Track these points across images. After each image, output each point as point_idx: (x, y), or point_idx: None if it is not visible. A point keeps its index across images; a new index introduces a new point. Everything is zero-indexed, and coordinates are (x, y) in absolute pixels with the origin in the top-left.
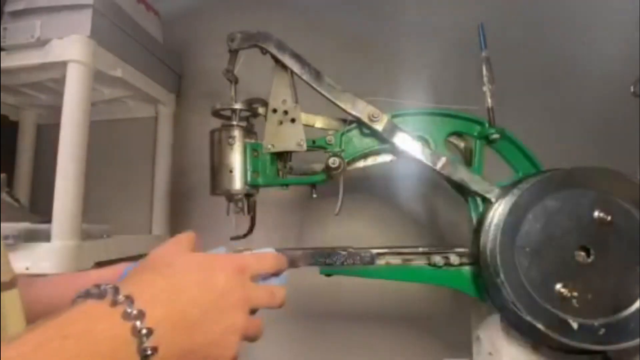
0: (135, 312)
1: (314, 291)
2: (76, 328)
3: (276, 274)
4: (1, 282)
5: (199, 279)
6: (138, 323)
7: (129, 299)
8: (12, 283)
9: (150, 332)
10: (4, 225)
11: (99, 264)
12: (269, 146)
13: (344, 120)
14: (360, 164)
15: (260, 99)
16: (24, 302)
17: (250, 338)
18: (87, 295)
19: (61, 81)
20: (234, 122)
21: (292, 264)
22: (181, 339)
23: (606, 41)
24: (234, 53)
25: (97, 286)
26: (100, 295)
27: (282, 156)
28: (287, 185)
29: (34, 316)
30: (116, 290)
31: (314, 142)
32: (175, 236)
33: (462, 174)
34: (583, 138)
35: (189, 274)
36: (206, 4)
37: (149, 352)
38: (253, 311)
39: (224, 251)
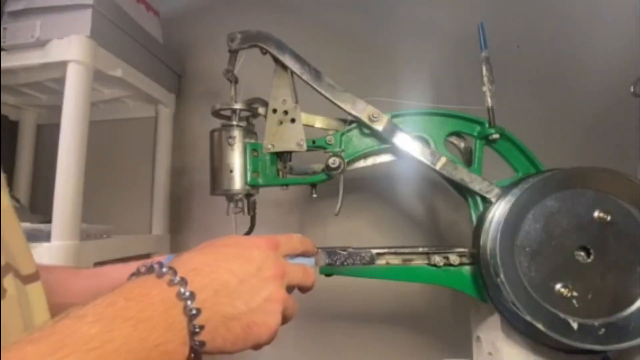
0: (178, 279)
1: (313, 291)
2: (135, 293)
3: (304, 256)
4: (26, 275)
5: (235, 254)
6: (182, 289)
7: (172, 270)
8: (36, 276)
9: (192, 295)
10: None
11: (99, 264)
12: (269, 146)
13: (344, 120)
14: (360, 164)
15: (260, 99)
16: (63, 292)
17: (288, 315)
18: (138, 273)
19: (61, 81)
20: (234, 122)
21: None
22: (223, 305)
23: (606, 41)
24: (234, 53)
25: (145, 264)
26: (149, 271)
27: (282, 156)
28: (287, 185)
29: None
30: (160, 264)
31: (314, 142)
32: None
33: (462, 174)
34: (583, 138)
35: (225, 249)
36: (206, 4)
37: (194, 311)
38: (288, 290)
39: None
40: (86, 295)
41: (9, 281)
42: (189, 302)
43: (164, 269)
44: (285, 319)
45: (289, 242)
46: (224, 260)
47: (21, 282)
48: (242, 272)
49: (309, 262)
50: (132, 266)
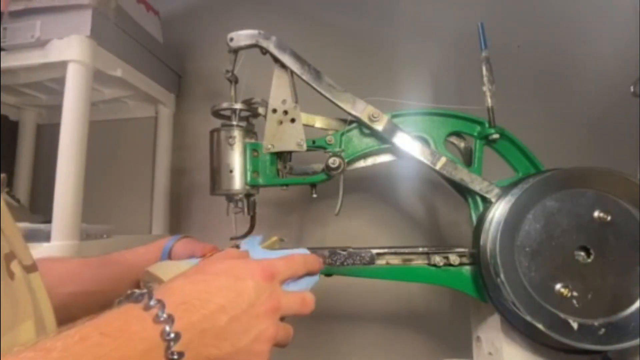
0: (165, 316)
1: (313, 290)
2: (113, 327)
3: (308, 274)
4: (27, 265)
5: (228, 286)
6: (167, 327)
7: (161, 303)
8: (35, 267)
9: (178, 336)
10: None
11: None
12: (269, 146)
13: (344, 120)
14: (360, 164)
15: (260, 99)
16: (74, 282)
17: (280, 344)
18: (126, 299)
19: (61, 81)
20: (234, 122)
21: None
22: (209, 346)
23: (606, 41)
24: (234, 53)
25: (134, 291)
26: (137, 299)
27: (282, 156)
28: (287, 185)
29: (88, 292)
30: (150, 295)
31: (314, 142)
32: (225, 251)
33: (462, 174)
34: (583, 138)
35: (218, 280)
36: (206, 4)
37: (175, 356)
38: (282, 318)
39: (259, 240)
40: (96, 283)
41: (15, 266)
42: (172, 344)
43: (152, 302)
44: (278, 346)
45: (288, 268)
46: (216, 294)
47: (25, 271)
48: (232, 308)
49: (312, 281)
50: (138, 253)
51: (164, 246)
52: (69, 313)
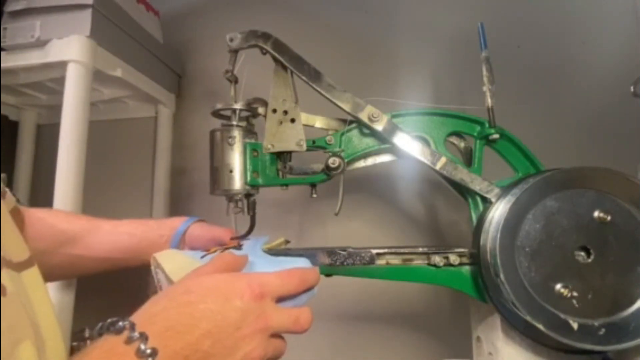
0: (148, 350)
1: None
2: None
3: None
4: (18, 262)
5: (214, 309)
6: None
7: (143, 336)
8: (30, 262)
9: None
10: None
11: None
12: (269, 146)
13: (344, 120)
14: (360, 164)
15: (260, 99)
16: (82, 246)
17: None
18: (107, 329)
19: (61, 81)
20: (234, 122)
21: None
22: None
23: (606, 41)
24: (234, 53)
25: (116, 321)
26: (118, 331)
27: (282, 156)
28: (287, 185)
29: (95, 257)
30: (132, 326)
31: (314, 142)
32: (221, 255)
33: (462, 174)
34: (583, 138)
35: (204, 302)
36: (206, 4)
37: None
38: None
39: (265, 241)
40: (105, 250)
41: (5, 276)
42: None
43: (134, 334)
44: None
45: (282, 286)
46: (201, 318)
47: (15, 271)
48: (218, 332)
49: (309, 294)
50: (151, 227)
51: (177, 228)
52: (72, 272)
